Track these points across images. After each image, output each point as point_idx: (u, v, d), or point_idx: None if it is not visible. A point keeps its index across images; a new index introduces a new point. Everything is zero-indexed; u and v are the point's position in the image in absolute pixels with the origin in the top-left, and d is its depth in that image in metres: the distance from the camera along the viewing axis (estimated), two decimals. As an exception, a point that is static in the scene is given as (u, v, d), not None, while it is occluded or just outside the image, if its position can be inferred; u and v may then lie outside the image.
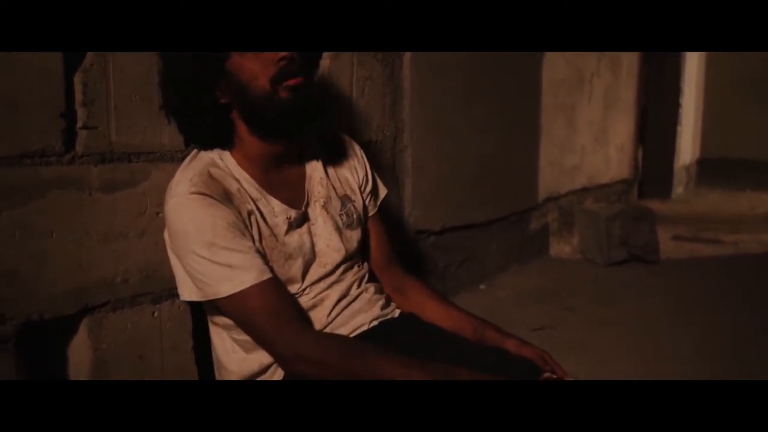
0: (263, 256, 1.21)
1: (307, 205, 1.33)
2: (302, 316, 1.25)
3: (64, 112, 1.28)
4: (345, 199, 1.39)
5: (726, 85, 7.50)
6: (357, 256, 1.41)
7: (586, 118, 4.32)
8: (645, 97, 5.71)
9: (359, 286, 1.39)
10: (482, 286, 3.08)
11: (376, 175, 1.51)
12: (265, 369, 1.29)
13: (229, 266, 1.15)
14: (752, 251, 4.12)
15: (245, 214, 1.21)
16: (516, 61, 3.20)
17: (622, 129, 5.17)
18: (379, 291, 1.44)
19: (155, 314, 1.48)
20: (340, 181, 1.40)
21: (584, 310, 2.76)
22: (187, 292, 1.23)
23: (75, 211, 1.31)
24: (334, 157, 1.42)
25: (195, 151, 1.29)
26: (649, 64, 5.72)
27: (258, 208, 1.25)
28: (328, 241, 1.33)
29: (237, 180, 1.24)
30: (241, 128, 1.24)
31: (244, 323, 1.22)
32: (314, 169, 1.37)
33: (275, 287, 1.19)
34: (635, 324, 2.60)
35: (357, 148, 1.48)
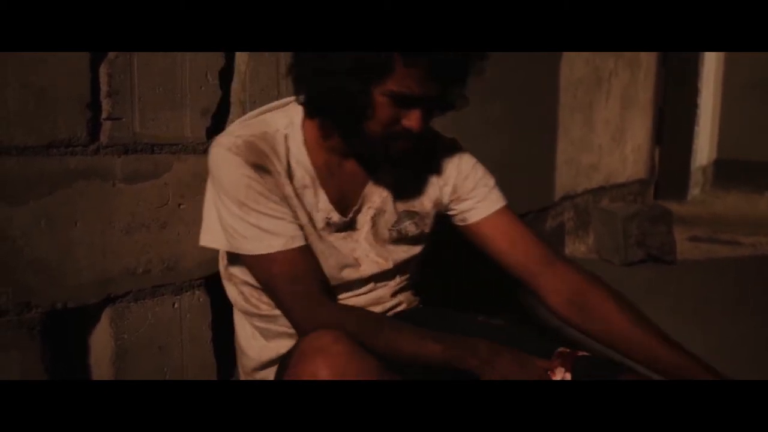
0: (299, 227, 1.18)
1: (358, 211, 1.28)
2: (324, 288, 1.21)
3: (90, 103, 1.30)
4: (405, 215, 1.32)
5: (744, 86, 7.43)
6: (402, 270, 1.35)
7: (603, 118, 4.30)
8: (662, 98, 5.67)
9: (394, 296, 1.35)
10: (497, 284, 3.08)
11: (486, 176, 1.39)
12: (282, 357, 1.29)
13: (259, 228, 1.14)
14: (770, 253, 4.08)
15: (285, 193, 1.19)
16: (534, 60, 3.19)
17: (640, 129, 5.14)
18: (412, 302, 1.39)
19: (176, 305, 1.49)
20: (411, 193, 1.33)
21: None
22: (214, 240, 1.22)
23: (99, 201, 1.32)
24: (418, 164, 1.34)
25: (270, 106, 1.26)
26: (667, 64, 5.69)
27: (301, 195, 1.21)
28: (368, 251, 1.29)
29: (291, 162, 1.20)
30: (332, 120, 1.18)
31: (265, 285, 1.21)
32: (381, 177, 1.29)
33: (302, 256, 1.17)
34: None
35: (455, 152, 1.38)
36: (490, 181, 1.38)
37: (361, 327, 1.13)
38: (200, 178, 1.48)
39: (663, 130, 5.88)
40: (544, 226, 3.59)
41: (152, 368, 1.46)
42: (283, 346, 1.27)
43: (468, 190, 1.36)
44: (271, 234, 1.14)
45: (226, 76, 1.55)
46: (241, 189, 1.14)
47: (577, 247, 3.95)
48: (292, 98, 1.26)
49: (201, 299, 1.53)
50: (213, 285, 1.56)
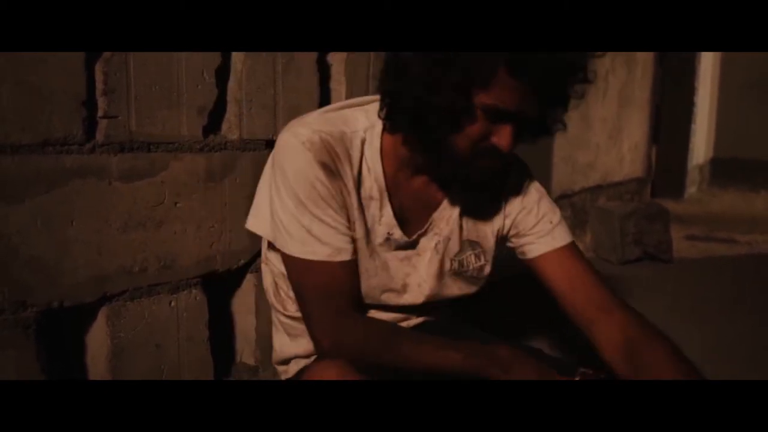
0: (351, 238, 1.12)
1: (423, 234, 1.20)
2: (354, 306, 1.15)
3: (86, 101, 1.29)
4: (467, 244, 1.24)
5: (740, 85, 7.44)
6: (446, 303, 1.28)
7: (600, 116, 4.31)
8: (659, 96, 5.68)
9: (419, 317, 1.28)
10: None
11: (551, 212, 1.28)
12: (296, 359, 1.28)
13: (309, 231, 1.08)
14: (766, 251, 4.09)
15: (349, 202, 1.12)
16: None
17: (636, 127, 5.14)
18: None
19: (172, 304, 1.49)
20: (476, 224, 1.25)
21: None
22: (261, 226, 1.18)
23: (95, 200, 1.32)
24: (488, 193, 1.25)
25: (353, 102, 1.20)
26: (664, 62, 5.69)
27: (366, 206, 1.15)
28: (421, 280, 1.21)
29: (363, 169, 1.14)
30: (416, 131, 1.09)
31: (296, 289, 1.15)
32: (453, 202, 1.21)
33: (342, 272, 1.11)
34: (648, 322, 2.58)
35: (533, 188, 1.28)
36: (555, 216, 1.27)
37: (379, 341, 1.10)
38: (197, 176, 1.48)
39: (660, 129, 5.89)
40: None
41: (149, 367, 1.46)
42: (303, 346, 1.24)
43: (529, 226, 1.26)
44: (318, 241, 1.09)
45: (222, 74, 1.54)
46: (304, 187, 1.08)
47: (574, 246, 3.96)
48: (377, 97, 1.15)
49: (198, 298, 1.53)
50: (210, 284, 1.56)
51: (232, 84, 1.58)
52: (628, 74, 4.78)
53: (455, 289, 1.25)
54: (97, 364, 1.40)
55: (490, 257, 1.27)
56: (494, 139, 1.04)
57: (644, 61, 5.12)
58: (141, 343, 1.44)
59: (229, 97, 1.58)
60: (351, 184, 1.12)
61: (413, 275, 1.21)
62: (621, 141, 4.81)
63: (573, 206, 3.98)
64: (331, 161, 1.09)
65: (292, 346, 1.27)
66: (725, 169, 7.62)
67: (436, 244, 1.21)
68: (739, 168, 7.53)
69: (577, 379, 1.13)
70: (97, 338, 1.39)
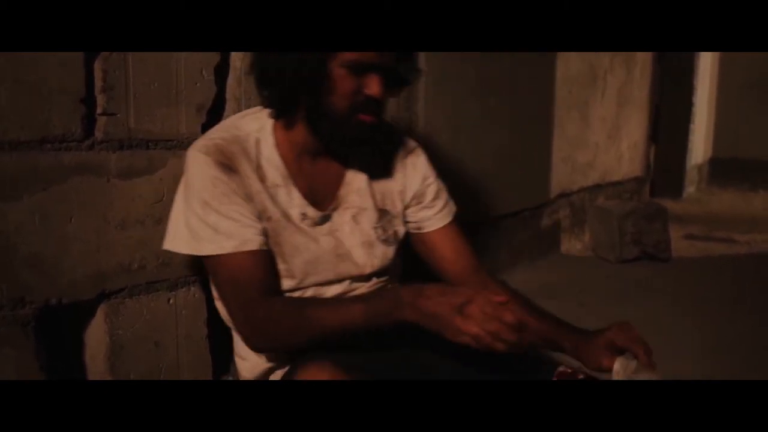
0: (260, 229, 1.19)
1: (335, 209, 1.29)
2: (270, 291, 1.20)
3: (84, 99, 1.29)
4: (384, 213, 1.34)
5: (739, 85, 7.45)
6: (387, 273, 1.36)
7: (599, 115, 4.31)
8: (658, 95, 5.68)
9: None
10: (493, 282, 3.08)
11: (443, 187, 1.44)
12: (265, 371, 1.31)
13: (215, 229, 1.15)
14: (765, 250, 4.09)
15: (253, 192, 1.20)
16: (530, 55, 3.19)
17: (635, 126, 5.15)
18: None
19: (171, 301, 1.49)
20: (383, 193, 1.35)
21: (596, 307, 2.75)
22: (177, 244, 1.21)
23: (94, 197, 1.32)
24: (388, 166, 1.37)
25: (242, 114, 1.29)
26: (663, 62, 5.69)
27: (273, 194, 1.23)
28: (347, 250, 1.29)
29: (262, 163, 1.22)
30: (299, 118, 1.22)
31: (217, 289, 1.24)
32: (355, 175, 1.32)
33: (252, 263, 1.17)
34: (647, 322, 2.56)
35: (420, 158, 1.41)
36: (445, 192, 1.44)
37: (289, 316, 1.15)
38: (195, 174, 1.48)
39: (659, 128, 5.88)
40: (539, 224, 3.60)
41: (148, 364, 1.46)
42: (272, 360, 1.28)
43: (430, 198, 1.40)
44: (225, 235, 1.15)
45: (221, 72, 1.54)
46: (206, 188, 1.16)
47: (573, 245, 3.96)
48: (260, 108, 1.28)
49: (196, 295, 1.53)
50: (208, 281, 1.55)
51: (231, 82, 1.58)
52: (627, 74, 4.78)
53: (386, 258, 1.34)
54: (96, 361, 1.40)
55: (401, 221, 1.38)
56: (366, 91, 1.15)
57: (643, 60, 5.12)
58: (139, 340, 1.44)
59: (228, 95, 1.58)
60: (254, 177, 1.21)
61: (340, 246, 1.28)
62: (620, 140, 4.81)
63: (572, 205, 3.98)
64: (227, 159, 1.18)
65: (262, 362, 1.30)
66: (724, 169, 7.62)
67: (353, 216, 1.30)
68: (738, 168, 7.53)
69: (554, 379, 1.16)
70: (96, 335, 1.39)
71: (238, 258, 1.15)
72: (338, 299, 1.18)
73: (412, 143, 1.43)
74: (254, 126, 1.25)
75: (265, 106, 1.25)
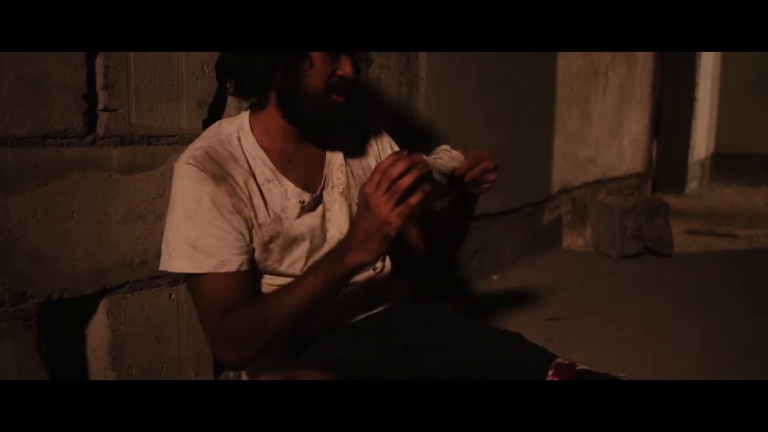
0: (242, 247, 1.18)
1: (323, 189, 1.32)
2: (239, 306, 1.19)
3: (86, 94, 1.29)
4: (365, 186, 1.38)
5: (741, 80, 7.45)
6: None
7: (600, 111, 4.31)
8: (659, 91, 5.68)
9: (381, 284, 1.37)
10: (495, 277, 3.08)
11: None
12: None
13: (194, 247, 1.14)
14: (766, 245, 4.09)
15: (245, 197, 1.20)
16: (531, 52, 3.19)
17: (637, 122, 5.15)
18: (381, 287, 1.40)
19: (172, 296, 1.49)
20: (362, 169, 1.39)
21: (597, 303, 2.75)
22: (167, 262, 1.20)
23: (95, 192, 1.33)
24: (360, 143, 1.42)
25: (219, 122, 1.29)
26: (664, 58, 5.69)
27: (266, 191, 1.23)
28: (341, 228, 1.31)
29: (249, 160, 1.23)
30: (272, 105, 1.24)
31: (195, 305, 1.22)
32: (335, 154, 1.36)
33: (227, 284, 1.16)
34: (648, 317, 2.59)
35: (386, 137, 1.47)
36: None
37: (255, 316, 1.14)
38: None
39: (660, 124, 5.89)
40: (541, 220, 3.60)
41: (149, 359, 1.46)
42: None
43: None
44: (204, 254, 1.14)
45: (222, 67, 1.54)
46: (191, 202, 1.15)
47: (574, 240, 3.96)
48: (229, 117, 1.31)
49: (198, 291, 1.53)
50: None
51: (231, 77, 1.58)
52: (629, 70, 4.78)
53: None
54: (97, 356, 1.40)
55: None
56: (339, 72, 1.21)
57: (644, 56, 5.12)
58: (141, 335, 1.44)
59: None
60: (246, 175, 1.21)
61: (331, 226, 1.31)
62: (621, 136, 4.81)
63: (573, 201, 3.99)
64: (217, 165, 1.18)
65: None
66: (726, 165, 7.63)
67: (341, 191, 1.33)
68: (739, 163, 7.54)
69: (552, 371, 1.17)
70: (98, 330, 1.40)
71: (214, 278, 1.15)
72: (291, 282, 1.17)
73: (377, 124, 1.49)
74: (233, 127, 1.27)
75: (236, 95, 1.29)
